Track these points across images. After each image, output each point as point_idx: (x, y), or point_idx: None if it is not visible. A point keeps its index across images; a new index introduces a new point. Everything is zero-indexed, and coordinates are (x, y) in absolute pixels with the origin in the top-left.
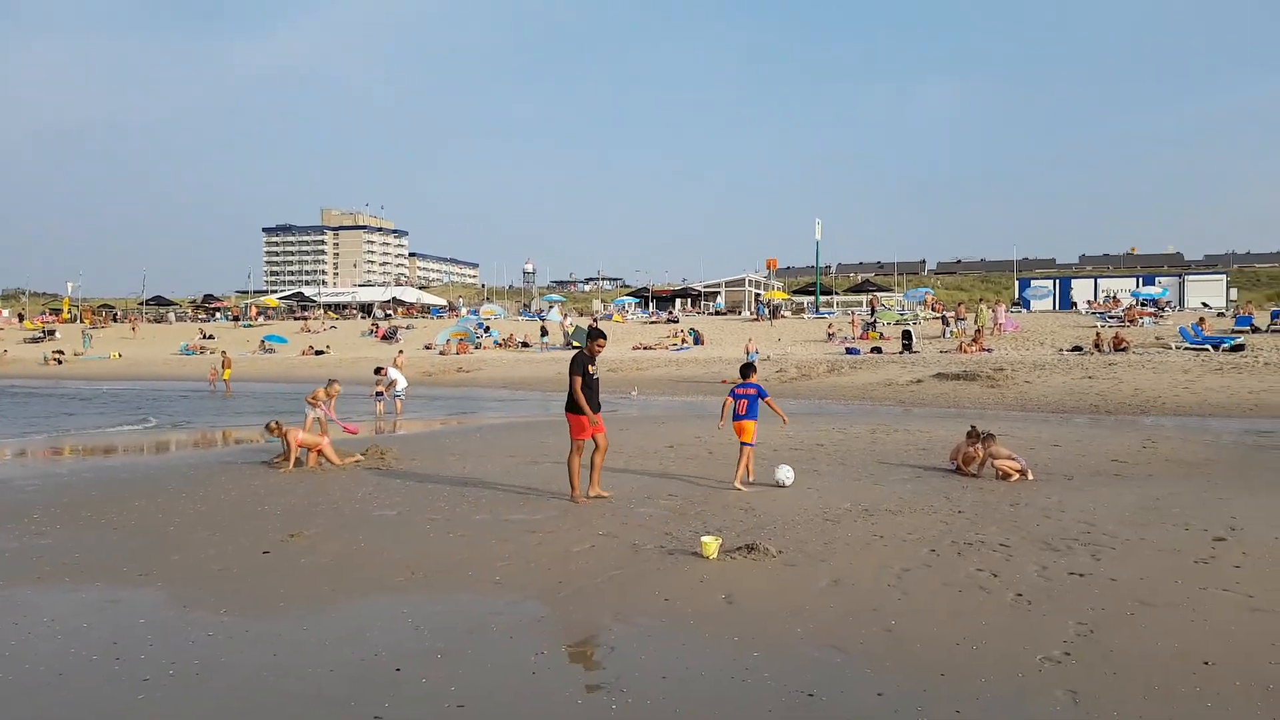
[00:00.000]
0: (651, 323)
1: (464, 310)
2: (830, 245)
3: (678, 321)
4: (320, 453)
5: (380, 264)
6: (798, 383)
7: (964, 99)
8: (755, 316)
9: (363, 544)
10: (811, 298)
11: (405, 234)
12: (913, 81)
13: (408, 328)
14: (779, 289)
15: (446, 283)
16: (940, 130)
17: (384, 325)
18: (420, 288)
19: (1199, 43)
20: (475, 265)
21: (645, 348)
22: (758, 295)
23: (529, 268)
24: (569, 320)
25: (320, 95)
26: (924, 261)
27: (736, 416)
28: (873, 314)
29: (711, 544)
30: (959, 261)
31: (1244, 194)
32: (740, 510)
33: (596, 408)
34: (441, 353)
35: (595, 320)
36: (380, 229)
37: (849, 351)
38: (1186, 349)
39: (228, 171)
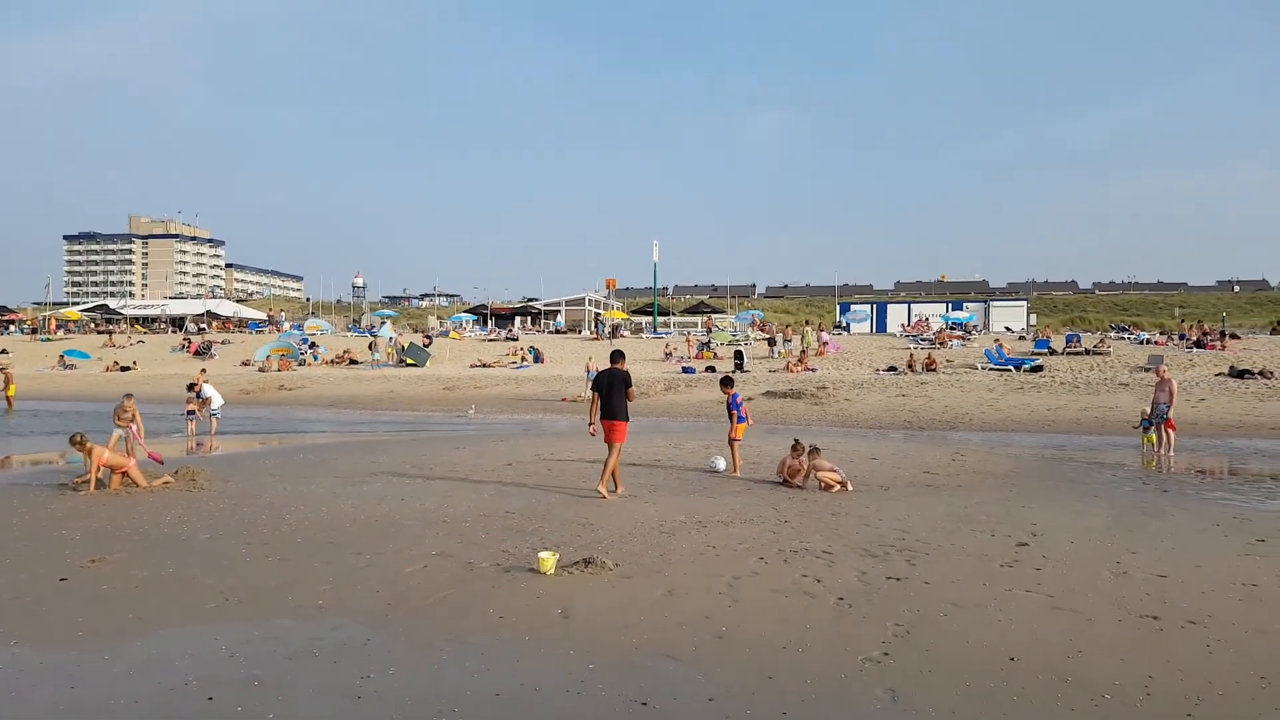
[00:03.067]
0: (490, 340)
1: (286, 325)
2: (668, 267)
3: (517, 339)
4: (126, 474)
5: (194, 275)
6: (634, 402)
7: (789, 131)
8: (595, 335)
9: (172, 569)
10: (650, 318)
11: (222, 244)
12: (743, 112)
13: (223, 343)
14: (618, 309)
15: (267, 296)
16: (769, 160)
17: (197, 340)
18: (238, 301)
19: (1000, 84)
20: (299, 278)
21: (484, 365)
22: (597, 314)
23: (359, 281)
24: (402, 337)
25: (130, 97)
26: (754, 285)
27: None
28: (707, 334)
29: (549, 560)
30: (786, 286)
31: (1041, 227)
32: (578, 526)
33: (623, 416)
34: (261, 369)
35: (429, 336)
36: (194, 238)
37: (685, 370)
38: (991, 369)
39: (23, 175)
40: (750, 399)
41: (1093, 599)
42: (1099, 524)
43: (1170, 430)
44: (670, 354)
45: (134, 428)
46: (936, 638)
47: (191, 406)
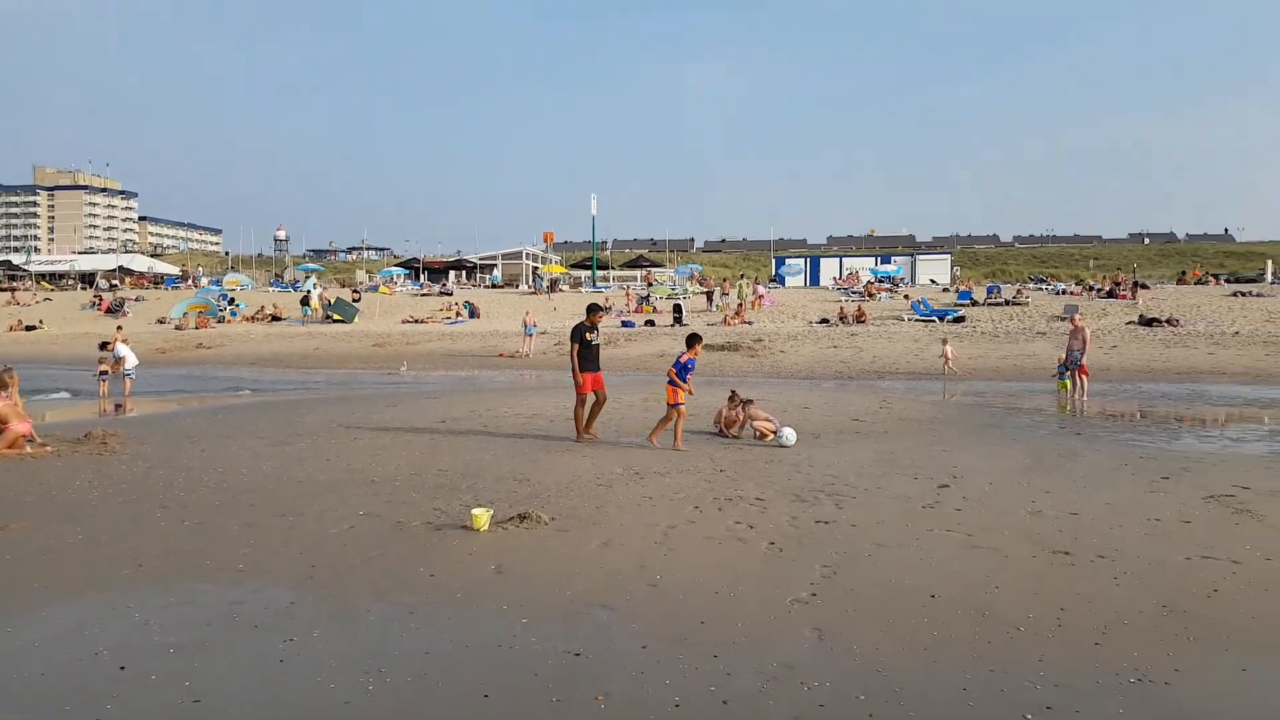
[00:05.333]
0: (423, 295)
1: (204, 281)
2: (607, 222)
3: (451, 294)
4: (27, 437)
5: (105, 229)
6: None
7: (726, 85)
8: (533, 290)
9: (81, 536)
10: (589, 272)
11: (134, 195)
12: (682, 62)
13: (137, 300)
14: (557, 263)
15: (184, 250)
16: (706, 114)
17: (109, 297)
18: (152, 255)
19: (928, 40)
20: (218, 231)
21: (417, 321)
22: (535, 269)
23: (281, 235)
24: (328, 292)
25: (33, 40)
26: (693, 239)
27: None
28: (647, 289)
29: (482, 516)
30: (724, 240)
31: (964, 182)
32: (514, 481)
33: (596, 368)
34: (178, 327)
35: (357, 292)
36: (105, 190)
37: (625, 325)
38: (917, 320)
39: None
40: None
41: (1009, 537)
42: (1016, 466)
43: (1084, 376)
44: (609, 308)
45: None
46: (862, 577)
47: (104, 367)
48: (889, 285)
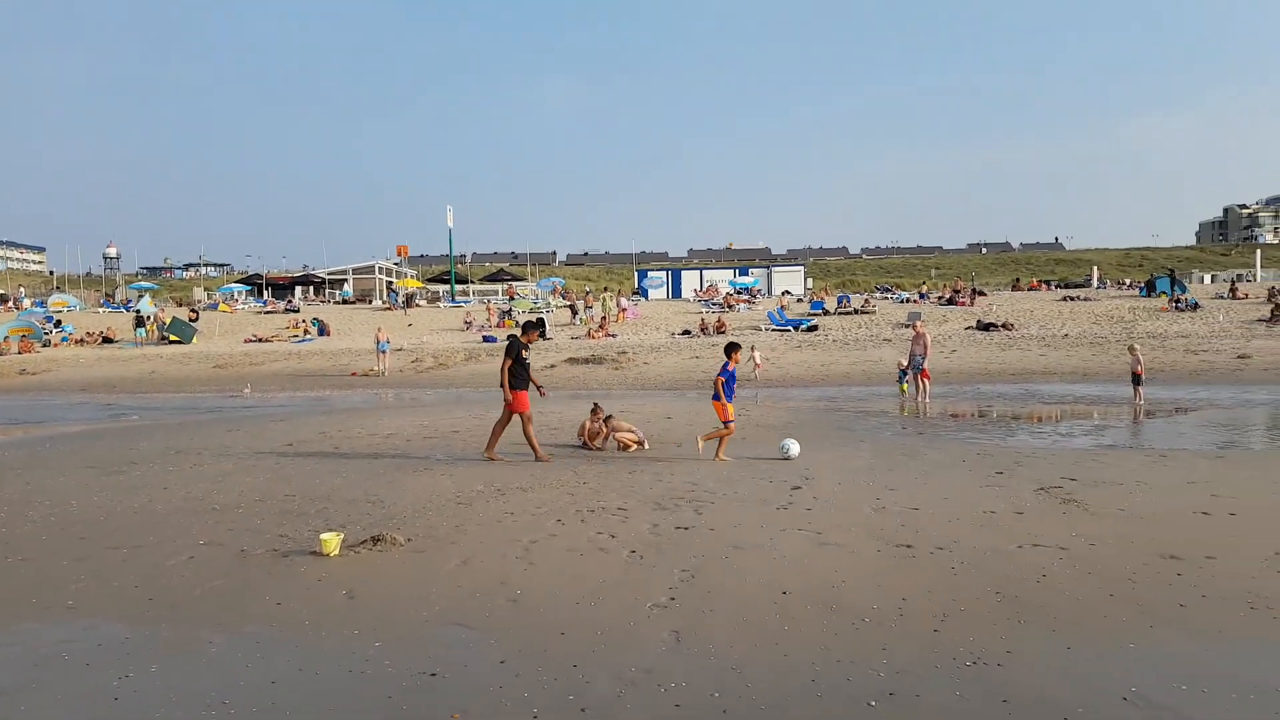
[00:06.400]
0: (267, 313)
1: (27, 302)
2: (465, 235)
3: (298, 311)
4: None
5: None
6: (434, 372)
7: (583, 99)
8: (388, 305)
9: None
10: (447, 286)
11: None
12: (536, 75)
13: None
14: (413, 277)
15: (3, 270)
16: (565, 127)
17: None
18: None
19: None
20: (41, 249)
21: (261, 340)
22: (390, 283)
23: (111, 252)
24: (164, 312)
25: None
26: (555, 252)
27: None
28: (509, 303)
29: (332, 540)
30: (586, 253)
31: (815, 195)
32: (367, 504)
33: (527, 385)
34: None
35: (195, 310)
36: None
37: (486, 340)
38: (773, 330)
39: None
40: (553, 366)
41: (855, 533)
42: (863, 465)
43: (925, 379)
44: (470, 323)
45: None
46: (718, 579)
47: None
48: (747, 297)
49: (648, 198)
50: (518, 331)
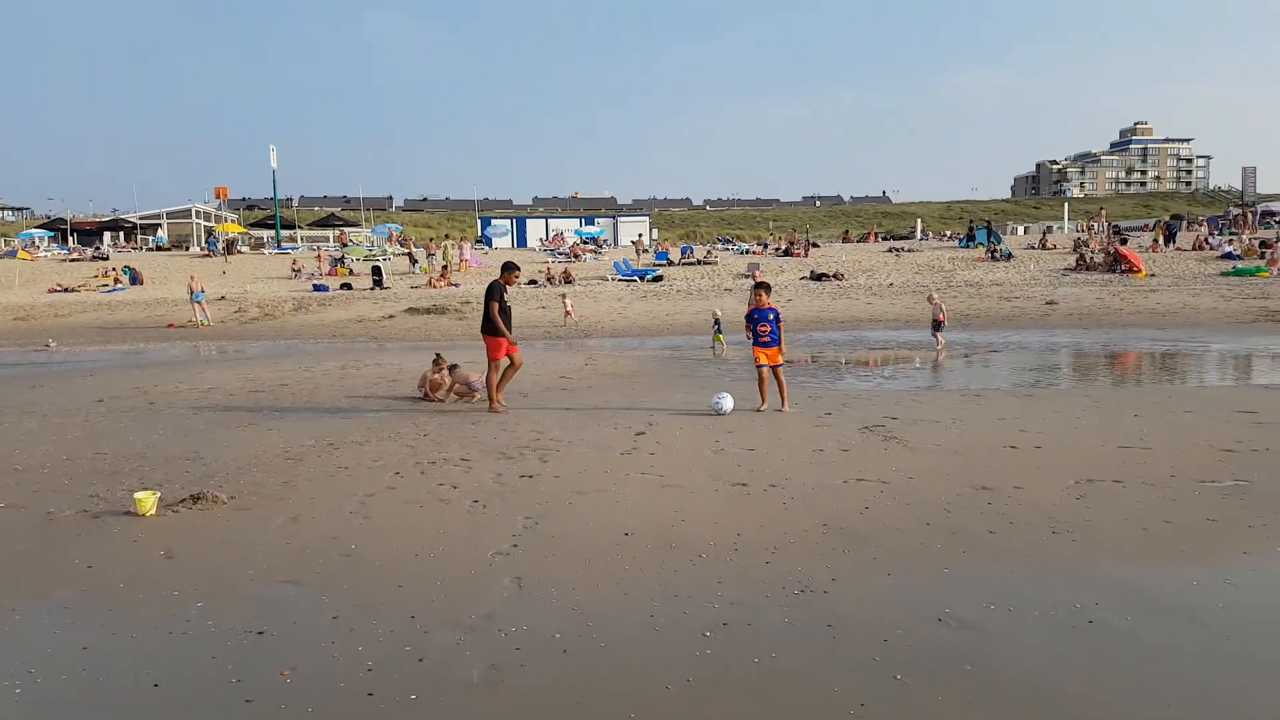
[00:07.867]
0: (73, 260)
1: None
2: (291, 177)
3: (108, 259)
4: None
5: None
6: (260, 323)
7: (413, 35)
8: (207, 252)
9: None
10: (271, 232)
11: None
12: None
13: None
14: (234, 222)
15: None
16: (398, 67)
17: None
18: None
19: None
20: None
21: (66, 289)
22: (209, 228)
23: None
24: None
25: None
26: (391, 198)
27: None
28: (341, 250)
29: (148, 499)
30: (425, 199)
31: (660, 148)
32: (186, 461)
33: (510, 330)
34: None
35: None
36: None
37: (317, 289)
38: (620, 280)
39: None
40: (392, 316)
41: (695, 474)
42: (704, 411)
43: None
44: (299, 271)
45: None
46: (562, 525)
47: None
48: (593, 246)
49: (489, 143)
50: (488, 278)
